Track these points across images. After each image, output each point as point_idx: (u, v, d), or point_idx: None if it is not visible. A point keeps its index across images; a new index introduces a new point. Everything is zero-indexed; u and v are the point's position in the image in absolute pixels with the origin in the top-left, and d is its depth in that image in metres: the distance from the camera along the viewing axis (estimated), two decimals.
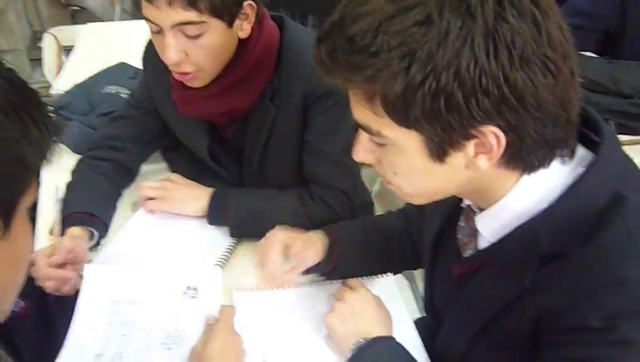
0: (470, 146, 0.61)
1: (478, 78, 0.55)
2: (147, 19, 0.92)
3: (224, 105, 1.05)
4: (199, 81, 0.99)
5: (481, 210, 0.72)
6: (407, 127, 0.60)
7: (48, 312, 1.30)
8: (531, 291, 0.65)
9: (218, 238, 1.11)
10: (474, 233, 0.75)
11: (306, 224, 1.05)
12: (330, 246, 0.97)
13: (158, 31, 0.92)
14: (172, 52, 0.91)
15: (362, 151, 0.68)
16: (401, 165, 0.66)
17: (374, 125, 0.63)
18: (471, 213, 0.75)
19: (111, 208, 1.15)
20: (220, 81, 1.00)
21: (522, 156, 0.62)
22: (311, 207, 1.09)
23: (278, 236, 0.96)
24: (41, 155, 0.49)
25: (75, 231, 1.02)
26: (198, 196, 1.12)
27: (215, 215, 1.10)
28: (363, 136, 0.67)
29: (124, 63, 1.63)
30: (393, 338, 0.85)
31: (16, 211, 0.48)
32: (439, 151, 0.61)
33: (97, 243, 1.08)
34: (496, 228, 0.70)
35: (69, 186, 1.12)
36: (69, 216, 1.04)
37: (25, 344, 1.45)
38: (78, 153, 1.35)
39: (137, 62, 1.59)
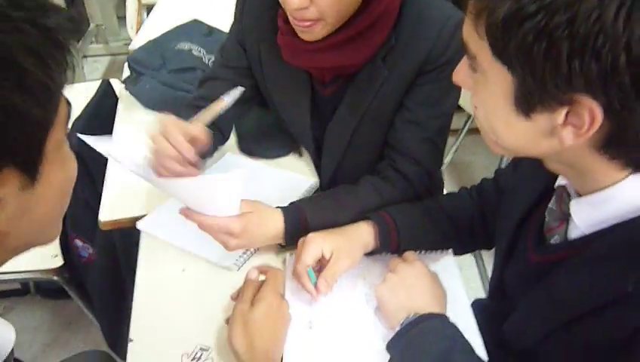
0: (561, 113, 0.54)
1: (595, 35, 0.47)
2: None
3: (335, 59, 0.95)
4: (317, 31, 0.89)
5: (579, 195, 0.66)
6: (502, 62, 0.55)
7: (115, 259, 1.35)
8: (635, 297, 0.58)
9: None
10: (565, 218, 0.69)
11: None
12: (385, 233, 0.92)
13: None
14: None
15: (461, 72, 0.64)
16: (486, 103, 0.61)
17: (473, 46, 0.58)
18: (564, 195, 0.69)
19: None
20: (336, 34, 0.91)
21: (628, 150, 0.56)
22: (389, 192, 1.00)
23: (308, 258, 0.87)
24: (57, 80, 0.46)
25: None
26: (272, 220, 0.95)
27: (294, 238, 0.94)
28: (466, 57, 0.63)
29: (196, 20, 1.63)
30: (446, 317, 0.81)
31: (43, 155, 0.47)
32: (526, 102, 0.55)
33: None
34: (594, 220, 0.63)
35: None
36: None
37: (93, 288, 1.54)
38: (150, 108, 1.39)
39: (210, 20, 1.62)
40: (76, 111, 1.49)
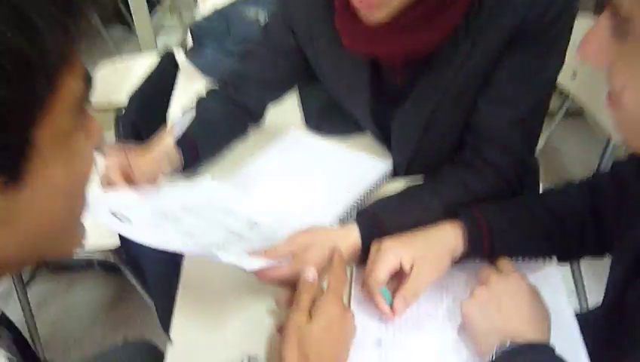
0: None
1: None
2: None
3: (407, 42, 0.79)
4: (382, 12, 0.74)
5: None
6: None
7: None
8: None
9: None
10: None
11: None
12: (476, 235, 0.76)
13: None
14: None
15: (595, 44, 0.48)
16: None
17: (628, 3, 0.43)
18: None
19: (216, 146, 1.00)
20: (406, 13, 0.75)
21: None
22: (478, 186, 0.83)
23: (383, 273, 0.72)
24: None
25: (167, 142, 0.91)
26: (342, 234, 0.79)
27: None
28: (602, 24, 0.47)
29: None
30: (551, 349, 0.64)
31: (30, 149, 0.34)
32: None
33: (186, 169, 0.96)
34: None
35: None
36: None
37: (150, 272, 1.47)
38: (209, 76, 1.29)
39: None
40: None
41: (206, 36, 1.36)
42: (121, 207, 0.79)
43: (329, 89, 1.00)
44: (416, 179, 0.92)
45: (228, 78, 1.02)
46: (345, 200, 0.91)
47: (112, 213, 0.76)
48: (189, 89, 1.27)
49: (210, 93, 1.02)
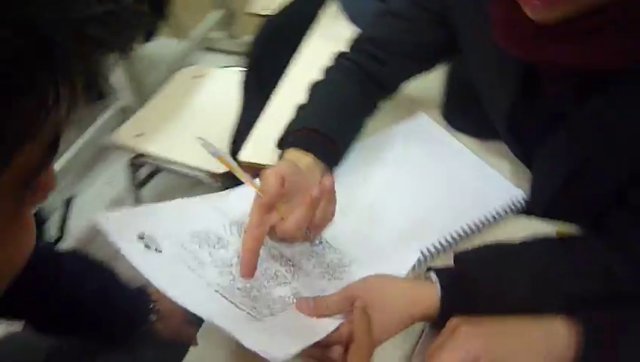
0: None
1: None
2: None
3: (577, 55, 0.58)
4: (558, 10, 0.55)
5: None
6: None
7: None
8: None
9: None
10: None
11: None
12: (596, 344, 0.55)
13: None
14: None
15: None
16: None
17: None
18: None
19: (349, 131, 0.82)
20: (584, 18, 0.55)
21: None
22: (625, 278, 0.59)
23: None
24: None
25: (293, 155, 0.72)
26: (418, 296, 0.61)
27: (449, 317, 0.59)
28: None
29: None
30: None
31: None
32: None
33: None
34: None
35: (310, 91, 0.83)
36: (294, 133, 0.76)
37: None
38: (355, 23, 1.13)
39: None
40: None
41: None
42: (158, 227, 0.60)
43: (473, 79, 0.81)
44: (548, 227, 0.71)
45: (361, 42, 0.85)
46: (455, 221, 0.74)
47: (140, 236, 0.58)
48: (331, 34, 1.13)
49: (340, 59, 0.87)
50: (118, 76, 1.79)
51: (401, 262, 0.67)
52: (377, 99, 0.86)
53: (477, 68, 0.78)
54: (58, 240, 1.72)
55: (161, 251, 0.58)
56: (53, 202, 1.79)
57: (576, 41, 0.57)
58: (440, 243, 0.71)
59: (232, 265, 0.62)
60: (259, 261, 0.58)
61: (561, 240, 0.66)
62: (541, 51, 0.60)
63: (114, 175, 1.99)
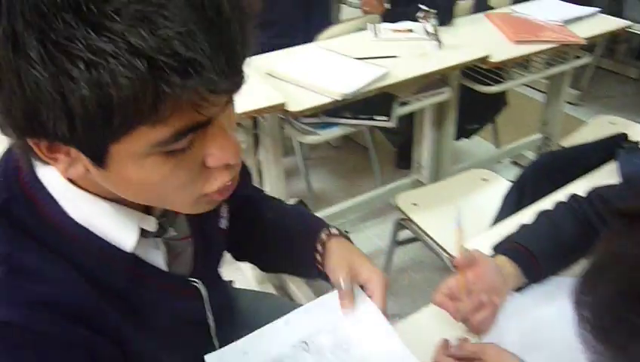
0: None
1: None
2: None
3: None
4: None
5: None
6: None
7: None
8: None
9: None
10: None
11: None
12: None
13: None
14: None
15: None
16: None
17: None
18: None
19: (562, 262, 0.89)
20: None
21: None
22: None
23: None
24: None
25: (500, 260, 0.85)
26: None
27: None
28: None
29: None
30: None
31: (110, 154, 0.47)
32: None
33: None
34: None
35: (537, 215, 0.94)
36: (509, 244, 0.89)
37: None
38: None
39: None
40: None
41: None
42: (323, 330, 0.65)
43: None
44: None
45: (595, 197, 0.92)
46: None
47: (304, 342, 0.65)
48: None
49: (572, 199, 0.95)
50: None
51: None
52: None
53: None
54: None
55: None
56: None
57: None
58: None
59: None
60: None
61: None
62: None
63: None
